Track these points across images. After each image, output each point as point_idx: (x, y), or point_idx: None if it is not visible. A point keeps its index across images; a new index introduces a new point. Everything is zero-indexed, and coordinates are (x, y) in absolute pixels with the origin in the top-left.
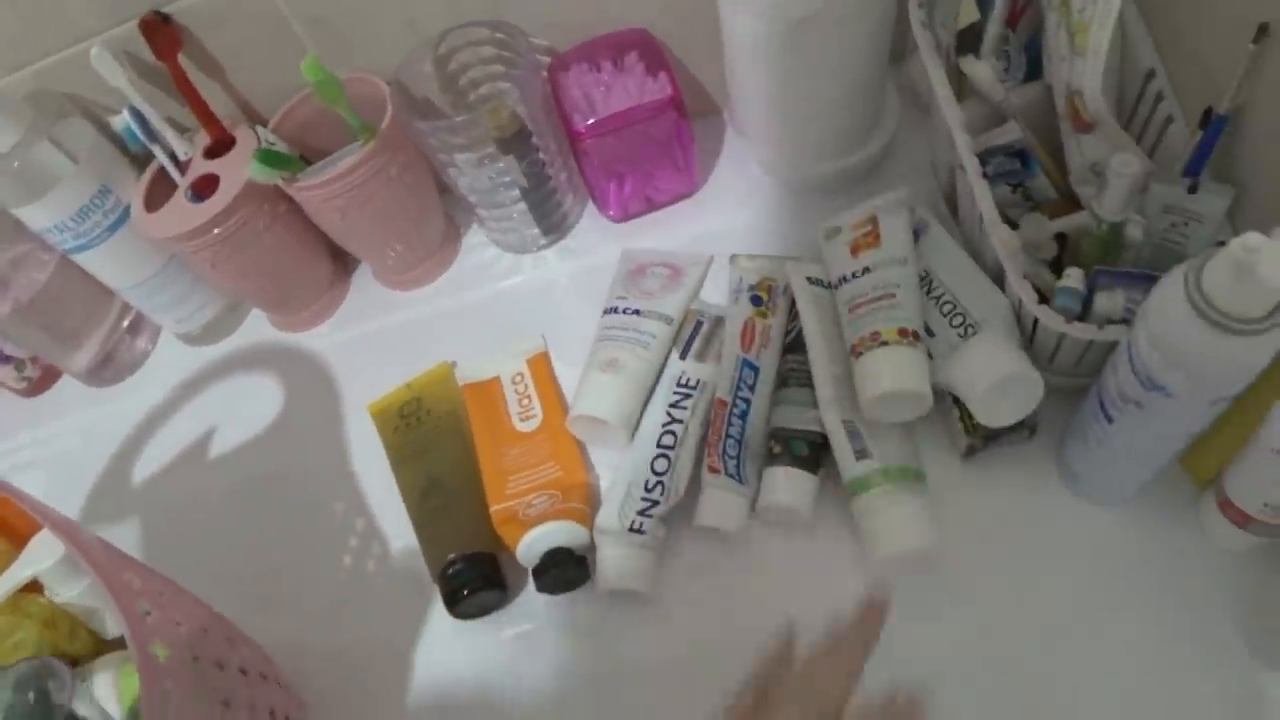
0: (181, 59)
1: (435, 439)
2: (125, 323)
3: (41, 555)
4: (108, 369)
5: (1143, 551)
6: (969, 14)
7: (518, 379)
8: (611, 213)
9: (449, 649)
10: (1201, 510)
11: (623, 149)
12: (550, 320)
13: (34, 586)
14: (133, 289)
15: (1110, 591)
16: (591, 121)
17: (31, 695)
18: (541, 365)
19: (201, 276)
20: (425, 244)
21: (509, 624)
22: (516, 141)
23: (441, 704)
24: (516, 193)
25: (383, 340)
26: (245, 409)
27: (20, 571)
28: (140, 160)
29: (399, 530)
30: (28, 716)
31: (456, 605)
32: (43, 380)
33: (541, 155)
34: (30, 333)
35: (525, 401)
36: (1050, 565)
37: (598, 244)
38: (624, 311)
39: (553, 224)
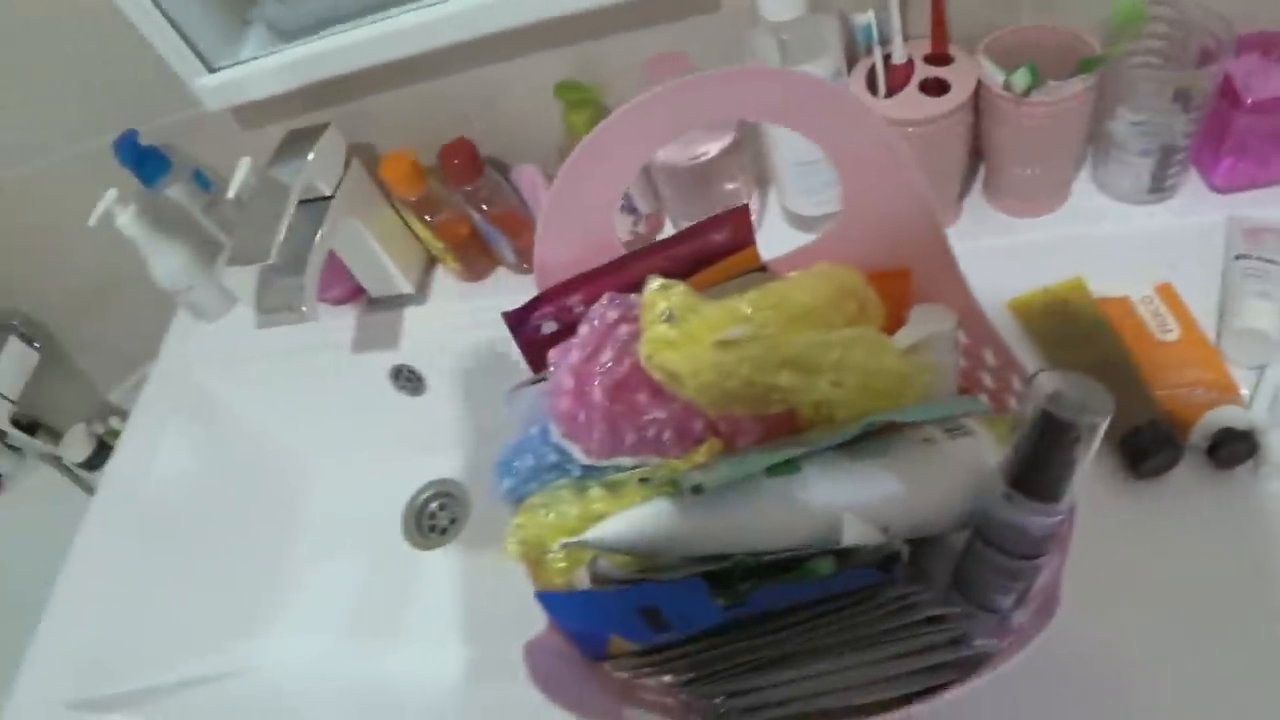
0: None
1: (1092, 331)
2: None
3: (935, 322)
4: None
5: None
6: None
7: (1146, 300)
8: (1217, 182)
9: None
10: None
11: (1268, 129)
12: (1157, 267)
13: None
14: (797, 167)
15: None
16: (1264, 98)
17: None
18: (1168, 292)
19: None
20: (1059, 176)
21: (1178, 489)
22: (1186, 98)
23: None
24: (1153, 145)
25: (1001, 256)
26: None
27: (920, 329)
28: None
29: None
30: None
31: (1143, 465)
32: (647, 236)
33: (1193, 117)
34: (689, 190)
35: (1159, 319)
36: None
37: (1201, 207)
38: (1257, 258)
39: (1164, 182)
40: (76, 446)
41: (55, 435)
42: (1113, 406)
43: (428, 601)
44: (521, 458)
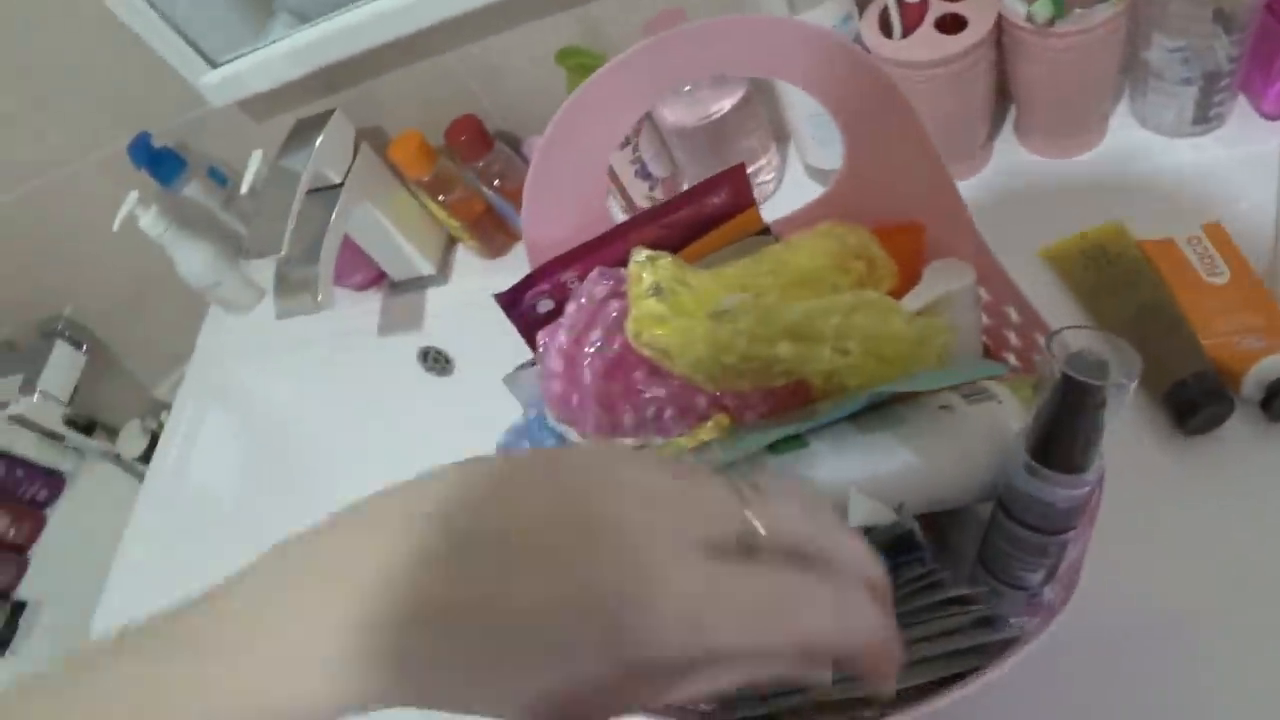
0: None
1: (1134, 276)
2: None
3: (952, 279)
4: None
5: None
6: None
7: (1194, 241)
8: (1268, 109)
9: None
10: None
11: None
12: (1205, 205)
13: None
14: (812, 119)
15: None
16: None
17: None
18: (1217, 233)
19: None
20: (1093, 111)
21: (1229, 445)
22: (1227, 18)
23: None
24: (1195, 72)
25: (1034, 201)
26: None
27: (935, 288)
28: None
29: None
30: None
31: (1190, 420)
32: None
33: (1237, 39)
34: (704, 151)
35: (1208, 261)
36: None
37: (1251, 136)
38: None
39: (1210, 112)
40: (132, 442)
41: (112, 433)
42: (1141, 366)
43: None
44: (519, 443)
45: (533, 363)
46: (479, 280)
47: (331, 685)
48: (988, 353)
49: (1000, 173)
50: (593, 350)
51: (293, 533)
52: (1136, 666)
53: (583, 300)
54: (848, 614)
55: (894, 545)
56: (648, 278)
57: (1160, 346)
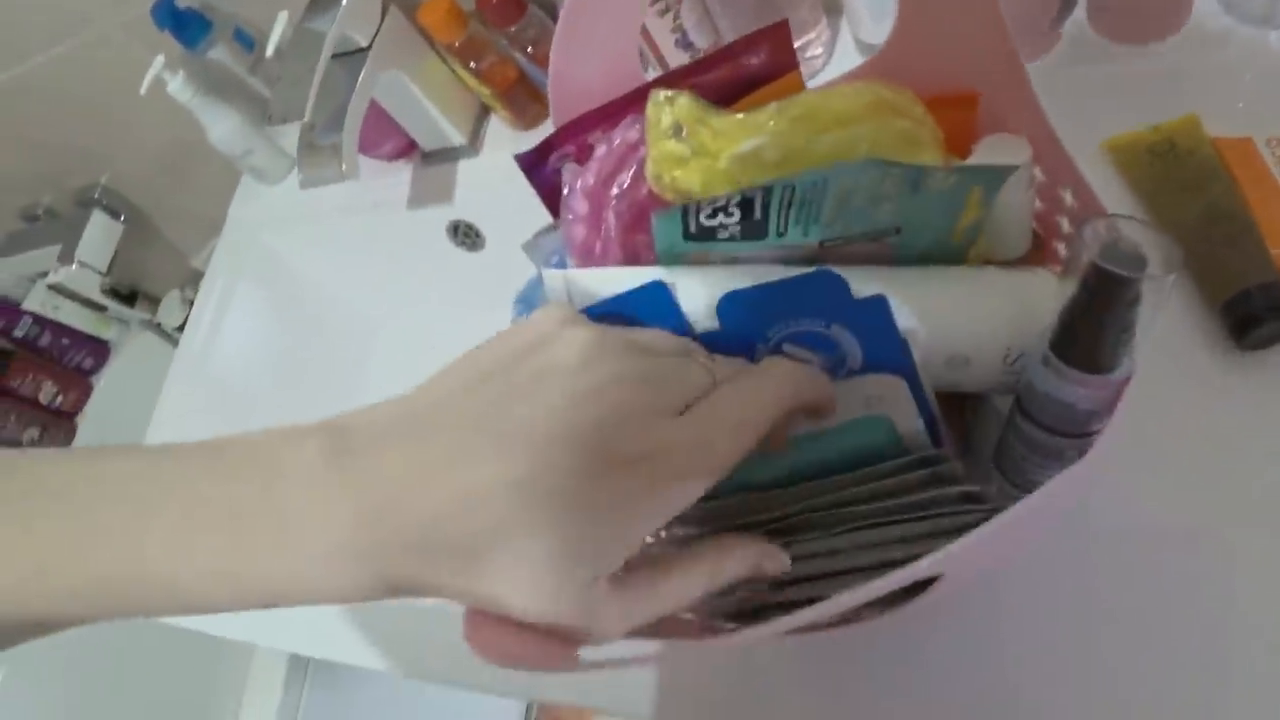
0: None
1: (1205, 175)
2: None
3: (1006, 156)
4: None
5: None
6: None
7: (1274, 143)
8: None
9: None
10: None
11: None
12: None
13: None
14: None
15: None
16: None
17: None
18: None
19: None
20: None
21: None
22: None
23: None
24: None
25: (1102, 87)
26: None
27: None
28: None
29: None
30: None
31: (1250, 333)
32: None
33: None
34: (748, 19)
35: None
36: None
37: None
38: None
39: None
40: (173, 312)
41: (154, 303)
42: (1180, 261)
43: None
44: (538, 293)
45: (553, 227)
46: (511, 153)
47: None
48: (1037, 239)
49: (1067, 54)
50: (620, 193)
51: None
52: (1172, 580)
53: (615, 143)
54: (798, 379)
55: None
56: (667, 118)
57: (1225, 253)
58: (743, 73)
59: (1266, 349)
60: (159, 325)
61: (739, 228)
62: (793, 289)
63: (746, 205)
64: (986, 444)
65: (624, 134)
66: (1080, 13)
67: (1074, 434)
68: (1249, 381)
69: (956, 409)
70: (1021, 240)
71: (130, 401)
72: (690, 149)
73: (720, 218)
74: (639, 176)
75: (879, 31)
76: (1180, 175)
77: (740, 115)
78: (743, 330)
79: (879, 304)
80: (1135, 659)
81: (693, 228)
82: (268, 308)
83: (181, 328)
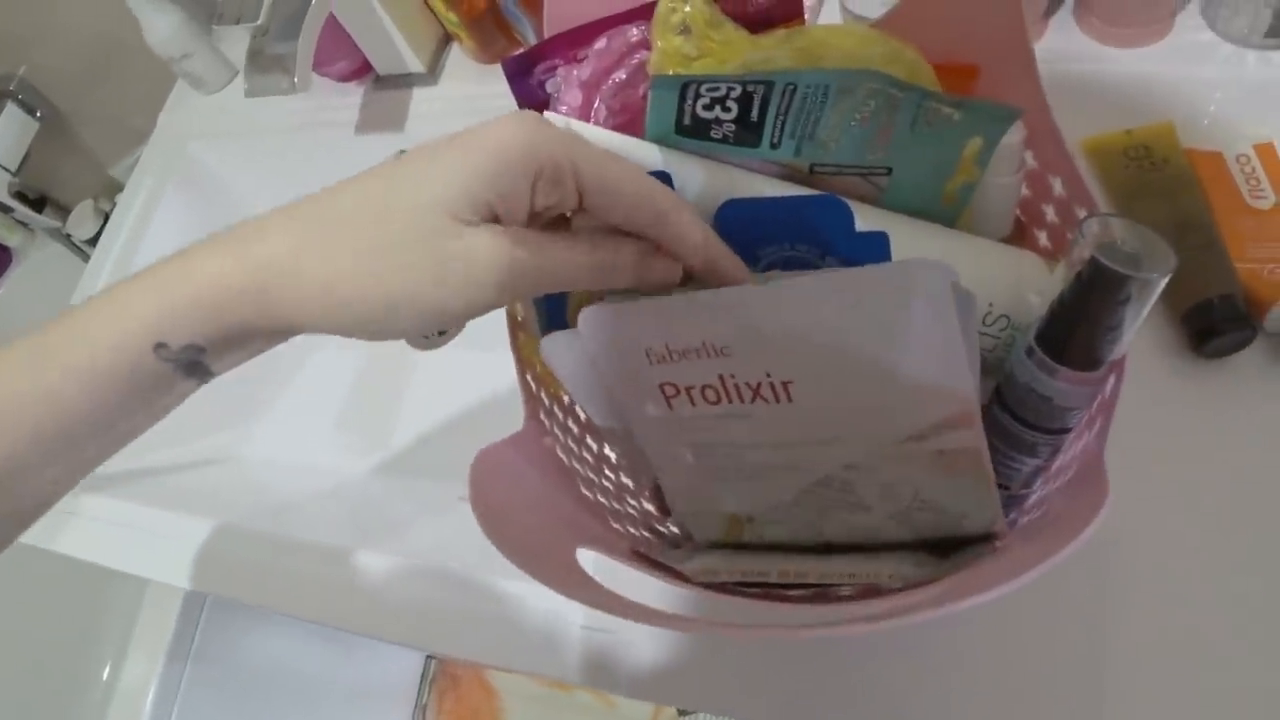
0: None
1: (1177, 185)
2: None
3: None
4: None
5: None
6: None
7: (1243, 160)
8: None
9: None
10: None
11: None
12: (1261, 123)
13: None
14: None
15: None
16: None
17: None
18: (1269, 154)
19: None
20: (1162, 2)
21: (1245, 374)
22: None
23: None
24: None
25: (1083, 86)
26: None
27: None
28: None
29: None
30: None
31: (1209, 343)
32: None
33: None
34: None
35: (1254, 182)
36: None
37: None
38: None
39: None
40: (84, 223)
41: (64, 211)
42: (1175, 264)
43: (421, 400)
44: None
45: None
46: (471, 86)
47: None
48: (1019, 226)
49: (1052, 50)
50: (614, 88)
51: None
52: (1121, 592)
53: (615, 41)
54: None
55: None
56: (677, 17)
57: (1189, 262)
58: (749, 9)
59: (1222, 359)
60: (68, 236)
61: (733, 128)
62: (796, 208)
63: (745, 101)
64: None
65: (624, 34)
66: (1068, 12)
67: (1048, 429)
68: (1206, 389)
69: None
70: (1004, 223)
71: (29, 315)
72: (696, 48)
73: (718, 110)
74: (637, 75)
75: (869, 4)
76: (1153, 181)
77: (752, 36)
78: (737, 243)
79: (879, 240)
80: (1087, 662)
81: (688, 117)
82: (193, 226)
83: (93, 241)
